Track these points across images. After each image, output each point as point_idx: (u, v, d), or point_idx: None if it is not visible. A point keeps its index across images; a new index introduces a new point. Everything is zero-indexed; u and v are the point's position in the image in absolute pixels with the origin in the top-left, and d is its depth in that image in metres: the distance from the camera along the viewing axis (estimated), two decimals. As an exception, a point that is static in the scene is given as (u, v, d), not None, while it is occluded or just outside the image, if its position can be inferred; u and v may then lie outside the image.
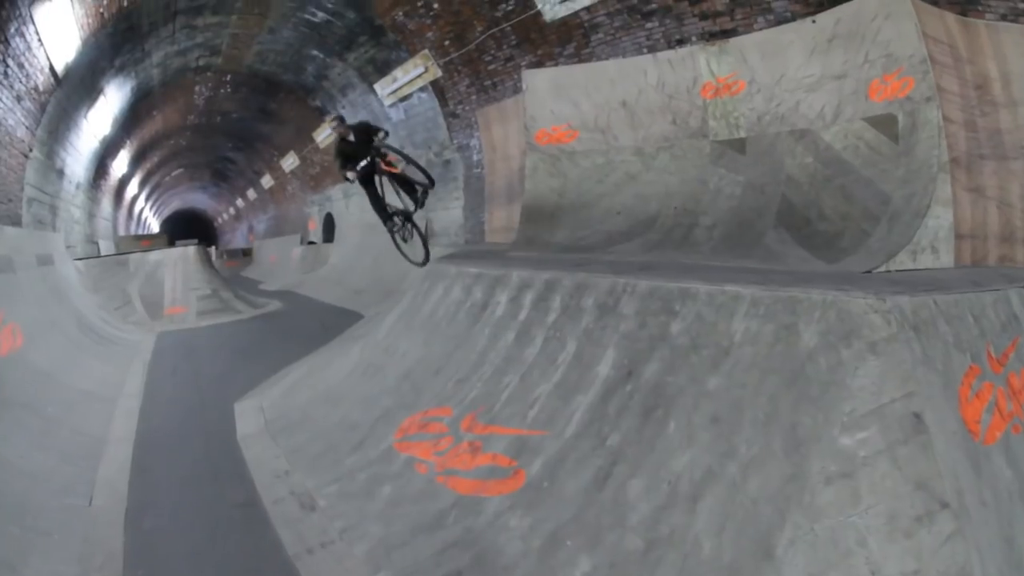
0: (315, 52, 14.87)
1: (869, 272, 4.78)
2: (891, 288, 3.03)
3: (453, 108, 11.69)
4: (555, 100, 8.03)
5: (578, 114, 7.91)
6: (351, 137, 7.21)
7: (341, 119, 7.44)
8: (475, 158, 11.41)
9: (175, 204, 42.69)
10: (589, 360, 3.70)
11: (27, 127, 9.78)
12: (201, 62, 15.68)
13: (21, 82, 8.79)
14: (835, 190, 6.08)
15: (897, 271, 4.85)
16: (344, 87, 14.87)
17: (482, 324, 4.87)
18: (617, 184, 7.68)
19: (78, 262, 13.85)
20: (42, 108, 10.13)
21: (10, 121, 8.88)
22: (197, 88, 17.84)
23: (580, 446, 3.32)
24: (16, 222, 9.56)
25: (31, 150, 10.28)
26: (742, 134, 6.95)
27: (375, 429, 4.69)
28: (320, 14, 13.23)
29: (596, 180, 7.79)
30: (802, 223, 6.22)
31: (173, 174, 31.47)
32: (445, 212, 12.45)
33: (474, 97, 11.03)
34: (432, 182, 7.18)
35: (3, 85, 8.15)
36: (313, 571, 3.44)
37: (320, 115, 17.28)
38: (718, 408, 2.85)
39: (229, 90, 18.43)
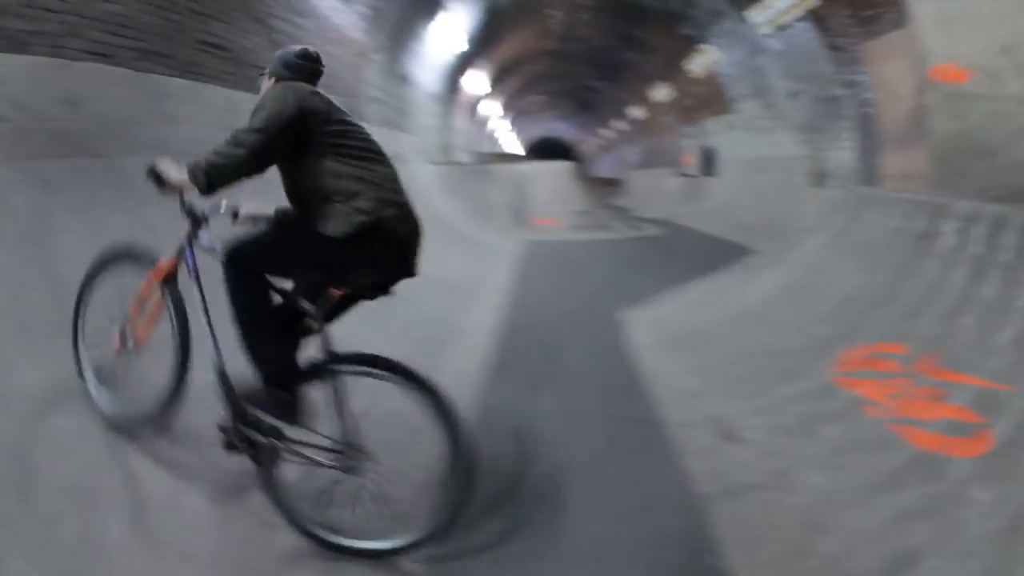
0: (682, -25, 14.39)
1: None
2: None
3: (833, 40, 11.07)
4: (946, 35, 6.93)
5: (971, 53, 6.73)
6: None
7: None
8: (862, 96, 10.63)
9: (534, 131, 44.71)
10: None
11: (364, 29, 10.33)
12: (556, -16, 15.42)
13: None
14: None
15: None
16: (714, 14, 14.14)
17: (928, 255, 4.41)
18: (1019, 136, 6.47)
19: (436, 166, 14.68)
20: (379, 13, 10.65)
21: (338, 20, 9.06)
22: (551, 12, 17.73)
23: (1054, 411, 2.84)
24: (359, 117, 11.02)
25: (370, 52, 10.66)
26: None
27: (804, 358, 4.35)
28: (691, -65, 12.44)
29: (993, 129, 6.65)
30: None
31: (533, 100, 32.48)
32: (835, 152, 11.33)
33: (855, 29, 10.11)
34: None
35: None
36: (733, 519, 2.89)
37: (689, 44, 16.57)
38: None
39: (587, 15, 18.06)
